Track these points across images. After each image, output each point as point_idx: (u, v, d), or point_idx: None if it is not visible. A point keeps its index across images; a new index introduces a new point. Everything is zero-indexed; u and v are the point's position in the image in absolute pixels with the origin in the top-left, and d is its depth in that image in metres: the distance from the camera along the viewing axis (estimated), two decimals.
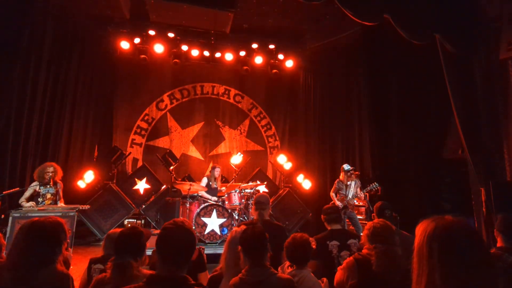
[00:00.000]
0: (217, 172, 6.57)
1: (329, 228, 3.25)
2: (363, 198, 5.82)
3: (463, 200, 5.97)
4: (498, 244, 2.43)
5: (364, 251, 2.34)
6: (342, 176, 5.99)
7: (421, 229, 1.23)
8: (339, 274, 2.34)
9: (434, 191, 6.78)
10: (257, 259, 1.99)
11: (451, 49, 5.10)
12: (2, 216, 4.70)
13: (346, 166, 5.96)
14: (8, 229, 4.18)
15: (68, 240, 2.09)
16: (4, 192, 4.61)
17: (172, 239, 1.52)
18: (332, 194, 6.00)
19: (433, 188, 6.79)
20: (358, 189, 5.91)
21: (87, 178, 6.70)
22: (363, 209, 6.64)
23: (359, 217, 6.21)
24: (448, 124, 6.43)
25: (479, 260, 1.10)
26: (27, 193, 4.76)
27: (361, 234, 2.73)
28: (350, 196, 5.84)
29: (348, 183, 5.92)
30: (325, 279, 2.45)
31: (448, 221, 1.18)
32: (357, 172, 5.93)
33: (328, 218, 3.27)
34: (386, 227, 2.37)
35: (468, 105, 5.14)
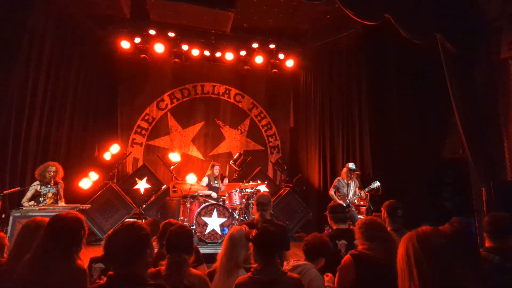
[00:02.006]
0: (217, 169, 6.57)
1: (334, 227, 3.27)
2: (364, 198, 5.82)
3: (463, 199, 5.96)
4: (486, 245, 2.43)
5: (360, 247, 2.37)
6: (343, 174, 5.98)
7: (402, 240, 1.38)
8: (338, 274, 2.36)
9: (435, 191, 6.77)
10: (270, 258, 2.00)
11: (451, 48, 5.10)
12: (3, 215, 4.70)
13: (351, 165, 5.96)
14: (9, 228, 4.17)
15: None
16: (4, 192, 4.61)
17: (113, 241, 1.58)
18: (331, 192, 5.98)
19: (433, 187, 6.78)
20: (357, 189, 5.91)
21: (91, 178, 6.72)
22: (363, 208, 6.63)
23: (360, 216, 6.20)
24: (449, 123, 6.42)
25: (454, 265, 1.24)
26: (29, 193, 4.76)
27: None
28: (351, 195, 5.84)
29: (349, 182, 5.92)
30: (330, 274, 2.48)
31: (424, 228, 1.33)
32: (357, 172, 5.93)
33: (335, 217, 3.30)
34: (377, 223, 2.43)
35: (468, 105, 5.14)
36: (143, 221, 7.28)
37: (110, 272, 1.55)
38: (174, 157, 7.74)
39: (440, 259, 1.23)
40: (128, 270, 1.52)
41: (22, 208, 4.50)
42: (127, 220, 1.65)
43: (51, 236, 1.89)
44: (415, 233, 1.33)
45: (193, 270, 2.17)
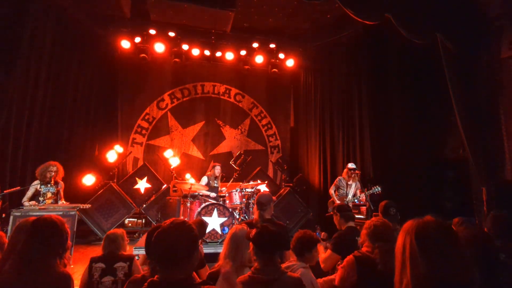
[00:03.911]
0: (218, 170, 6.57)
1: (344, 227, 3.33)
2: (364, 200, 5.82)
3: (464, 199, 5.96)
4: None
5: (364, 248, 2.36)
6: (344, 174, 6.01)
7: (402, 228, 1.32)
8: (339, 272, 2.35)
9: (435, 190, 6.77)
10: (269, 257, 1.99)
11: (452, 48, 5.10)
12: (3, 215, 4.70)
13: (351, 165, 5.98)
14: (9, 228, 4.18)
15: (70, 242, 2.06)
16: (5, 191, 4.61)
17: (162, 241, 1.46)
18: (331, 191, 6.03)
19: (434, 187, 6.78)
20: (358, 191, 5.92)
21: (89, 178, 6.71)
22: (363, 208, 6.63)
23: (360, 216, 6.20)
24: (449, 123, 6.42)
25: (453, 254, 1.18)
26: (29, 193, 4.76)
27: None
28: (350, 196, 5.84)
29: (349, 183, 5.93)
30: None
31: (426, 220, 1.26)
32: (358, 172, 5.93)
33: (346, 215, 3.36)
34: (387, 225, 2.41)
35: (469, 104, 5.13)
36: (143, 221, 7.32)
37: (154, 278, 1.44)
38: (169, 154, 7.73)
39: (436, 255, 1.17)
40: (174, 273, 1.42)
41: (22, 208, 4.50)
42: (176, 218, 1.56)
43: (31, 239, 1.86)
44: (416, 223, 1.25)
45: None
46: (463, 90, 5.14)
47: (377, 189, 5.54)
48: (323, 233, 3.36)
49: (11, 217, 4.25)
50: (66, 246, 1.97)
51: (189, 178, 7.54)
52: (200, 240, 5.61)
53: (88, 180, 6.65)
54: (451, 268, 1.16)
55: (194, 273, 2.03)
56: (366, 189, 5.68)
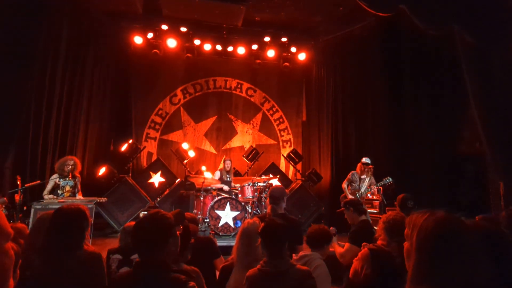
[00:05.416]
0: (228, 164, 6.67)
1: (357, 220, 3.39)
2: (376, 193, 5.78)
3: (481, 194, 5.85)
4: None
5: (379, 242, 2.35)
6: (358, 168, 5.98)
7: (411, 224, 1.25)
8: (353, 265, 2.35)
9: (451, 185, 6.65)
10: (277, 250, 2.01)
11: (469, 39, 4.95)
12: (25, 208, 4.88)
13: (365, 159, 5.95)
14: (31, 220, 4.33)
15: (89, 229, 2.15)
16: (26, 185, 4.79)
17: (135, 230, 1.64)
18: (344, 185, 6.00)
19: (449, 181, 6.67)
20: (372, 186, 5.88)
21: (103, 171, 6.84)
22: (376, 202, 6.58)
23: (373, 211, 6.17)
24: (465, 116, 6.27)
25: (471, 255, 1.12)
26: (49, 186, 4.93)
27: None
28: (362, 190, 5.81)
29: (363, 177, 5.89)
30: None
31: (441, 217, 1.18)
32: (371, 166, 5.88)
33: (358, 209, 3.43)
34: (404, 219, 2.37)
35: (486, 98, 5.00)
36: None
37: (137, 260, 1.61)
38: (186, 146, 7.82)
39: (465, 260, 1.11)
40: (152, 257, 1.56)
41: (42, 201, 4.66)
42: (152, 209, 1.68)
43: (54, 229, 1.95)
44: (438, 223, 1.16)
45: (186, 266, 2.18)
46: (481, 83, 5.00)
47: (388, 180, 5.50)
48: (331, 227, 3.34)
49: (32, 210, 4.40)
50: (85, 233, 2.04)
51: (204, 170, 7.63)
52: (213, 233, 5.71)
53: (102, 170, 6.79)
54: (477, 273, 1.11)
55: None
56: (378, 183, 5.65)
